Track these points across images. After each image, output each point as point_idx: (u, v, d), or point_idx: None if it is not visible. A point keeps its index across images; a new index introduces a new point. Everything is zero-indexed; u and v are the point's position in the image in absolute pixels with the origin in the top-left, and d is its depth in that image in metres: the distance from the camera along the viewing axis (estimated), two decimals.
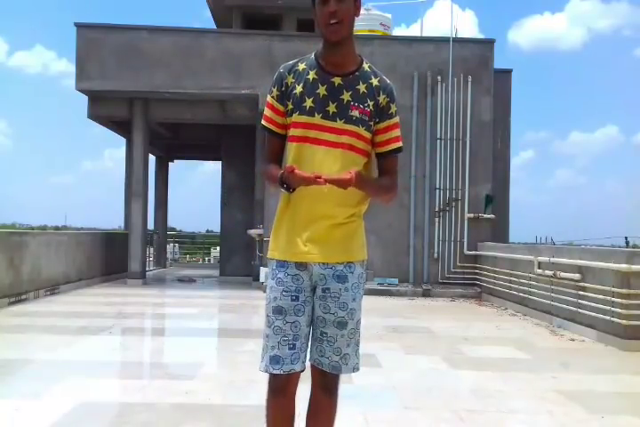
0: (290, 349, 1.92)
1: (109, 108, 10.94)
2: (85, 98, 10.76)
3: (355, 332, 2.03)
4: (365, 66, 2.02)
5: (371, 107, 1.97)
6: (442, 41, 10.56)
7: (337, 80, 1.96)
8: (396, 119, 2.05)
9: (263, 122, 2.07)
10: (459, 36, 11.00)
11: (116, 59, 10.27)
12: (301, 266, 1.97)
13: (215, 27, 14.12)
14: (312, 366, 2.03)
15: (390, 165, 2.08)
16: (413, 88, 10.33)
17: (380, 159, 2.08)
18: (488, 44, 10.74)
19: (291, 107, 1.97)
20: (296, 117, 1.96)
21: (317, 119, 1.95)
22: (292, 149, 1.99)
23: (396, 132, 2.06)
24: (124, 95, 10.65)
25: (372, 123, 1.99)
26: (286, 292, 1.95)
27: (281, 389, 1.96)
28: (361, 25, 11.05)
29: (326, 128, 1.95)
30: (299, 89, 1.97)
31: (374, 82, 2.01)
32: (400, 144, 2.07)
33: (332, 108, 1.95)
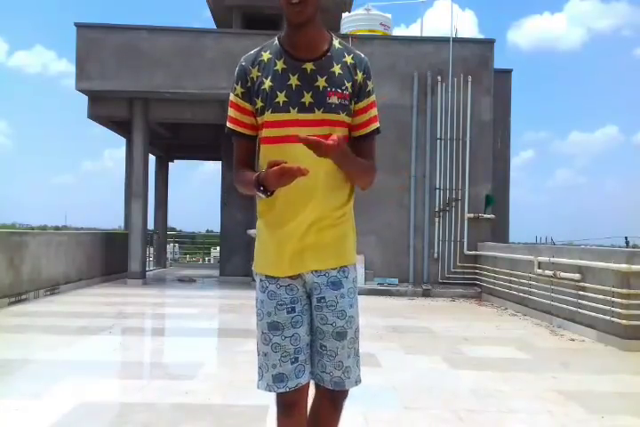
0: (292, 363, 1.79)
1: (109, 108, 10.93)
2: (85, 98, 10.76)
3: (354, 341, 1.89)
4: (335, 42, 1.82)
5: (349, 89, 1.79)
6: (442, 41, 10.56)
7: (309, 66, 1.76)
8: (374, 97, 1.87)
9: (228, 124, 1.86)
10: (459, 36, 11.01)
11: (116, 59, 10.27)
12: (293, 275, 1.82)
13: (215, 27, 14.12)
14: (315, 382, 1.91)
15: (370, 148, 1.89)
16: (413, 88, 10.33)
17: (359, 142, 1.86)
18: (488, 44, 10.74)
19: (261, 104, 1.77)
20: (269, 116, 1.76)
21: (294, 114, 1.75)
22: (267, 151, 1.79)
23: (375, 112, 1.87)
24: (124, 95, 10.65)
25: (351, 106, 1.81)
26: (281, 305, 1.80)
27: (292, 405, 1.82)
28: (361, 25, 11.07)
29: (305, 122, 1.75)
30: (267, 83, 1.76)
31: (348, 60, 1.81)
32: (378, 124, 1.89)
33: (307, 98, 1.75)
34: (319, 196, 1.77)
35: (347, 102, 1.79)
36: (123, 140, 13.20)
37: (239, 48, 10.33)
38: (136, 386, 3.90)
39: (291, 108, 1.75)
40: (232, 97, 1.84)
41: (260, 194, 1.69)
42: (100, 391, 3.71)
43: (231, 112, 1.85)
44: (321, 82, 1.76)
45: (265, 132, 1.79)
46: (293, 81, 1.76)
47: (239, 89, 1.82)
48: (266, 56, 1.80)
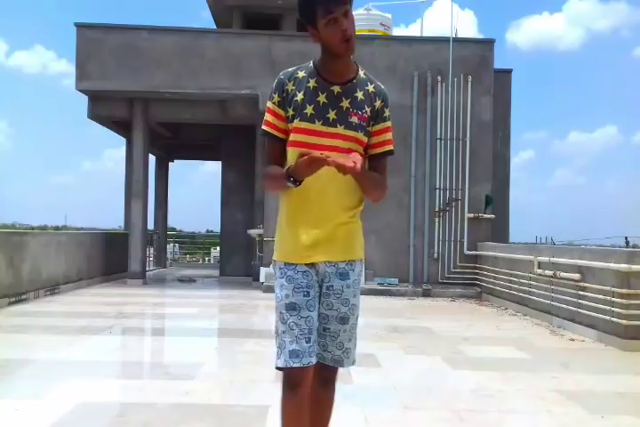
0: (307, 342, 1.98)
1: (109, 108, 10.94)
2: (85, 98, 10.76)
3: (354, 327, 2.13)
4: (361, 73, 2.11)
5: (368, 113, 2.08)
6: (442, 41, 10.56)
7: (336, 88, 2.05)
8: (389, 123, 2.16)
9: (264, 127, 2.11)
10: (458, 35, 11.00)
11: (116, 59, 10.27)
12: (309, 264, 2.06)
13: (215, 27, 14.12)
14: None
15: (382, 166, 2.18)
16: (413, 88, 10.33)
17: (373, 161, 2.17)
18: (488, 43, 10.73)
19: (292, 113, 2.04)
20: (297, 123, 2.03)
21: (318, 126, 2.02)
22: (292, 154, 2.03)
23: (389, 135, 2.17)
24: (124, 95, 10.65)
25: (369, 128, 2.09)
26: (298, 288, 2.02)
27: (299, 383, 1.98)
28: (361, 25, 11.05)
29: (327, 134, 2.02)
30: (300, 96, 2.04)
31: (370, 88, 2.11)
32: (392, 147, 2.19)
33: (332, 115, 2.03)
34: (331, 196, 2.04)
35: (365, 124, 2.07)
36: (123, 140, 13.21)
37: (239, 48, 10.35)
38: (136, 386, 3.90)
39: (316, 120, 2.03)
40: (269, 104, 2.10)
41: (290, 184, 1.95)
42: (99, 391, 3.71)
43: (268, 117, 2.10)
44: (345, 103, 2.05)
45: (292, 137, 2.05)
46: (322, 98, 2.04)
47: (276, 98, 2.08)
48: (301, 74, 2.08)
